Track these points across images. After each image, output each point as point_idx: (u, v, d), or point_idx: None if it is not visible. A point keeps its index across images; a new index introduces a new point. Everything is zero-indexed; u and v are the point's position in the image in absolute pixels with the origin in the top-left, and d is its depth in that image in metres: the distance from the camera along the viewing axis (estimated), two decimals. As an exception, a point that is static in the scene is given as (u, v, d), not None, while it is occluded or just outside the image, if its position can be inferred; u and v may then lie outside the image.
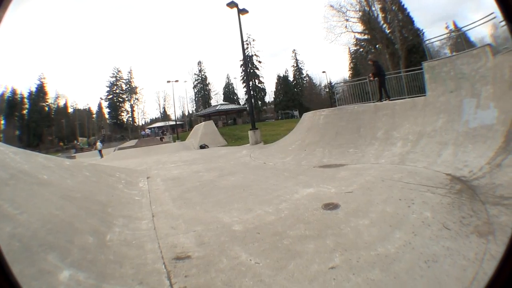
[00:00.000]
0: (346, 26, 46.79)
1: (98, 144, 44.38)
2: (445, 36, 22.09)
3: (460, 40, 16.34)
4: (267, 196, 6.77)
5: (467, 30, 15.65)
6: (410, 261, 3.50)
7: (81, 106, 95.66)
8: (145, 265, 3.74)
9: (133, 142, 54.02)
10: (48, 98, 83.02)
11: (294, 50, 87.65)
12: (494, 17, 12.58)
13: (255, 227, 4.93)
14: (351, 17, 46.41)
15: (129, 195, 7.71)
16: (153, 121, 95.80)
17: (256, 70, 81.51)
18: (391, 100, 14.61)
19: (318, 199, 6.17)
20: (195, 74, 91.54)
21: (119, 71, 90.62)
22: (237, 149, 19.23)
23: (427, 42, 19.50)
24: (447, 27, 36.46)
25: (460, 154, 8.29)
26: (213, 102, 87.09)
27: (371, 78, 15.81)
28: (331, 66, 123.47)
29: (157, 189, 8.73)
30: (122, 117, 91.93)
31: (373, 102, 14.82)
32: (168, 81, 65.98)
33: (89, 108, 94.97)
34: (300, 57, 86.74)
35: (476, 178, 6.51)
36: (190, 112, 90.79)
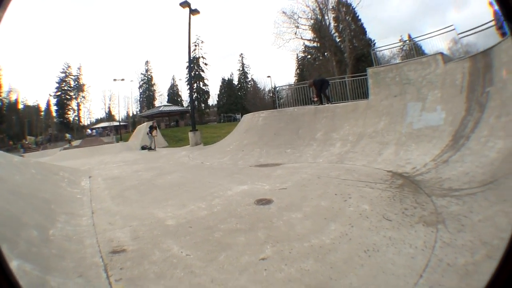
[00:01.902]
0: (296, 33, 48.17)
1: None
2: (393, 46, 23.50)
3: (411, 50, 17.17)
4: (202, 193, 7.12)
5: (420, 41, 17.46)
6: (348, 251, 3.63)
7: (31, 102, 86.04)
8: (84, 259, 3.94)
9: (77, 142, 55.26)
10: (1, 92, 74.07)
11: (242, 54, 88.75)
12: (452, 29, 14.66)
13: (187, 221, 5.20)
14: (302, 24, 47.87)
15: (71, 193, 8.18)
16: (98, 121, 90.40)
17: (201, 73, 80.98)
18: (333, 103, 15.67)
19: (252, 195, 6.46)
20: (141, 73, 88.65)
21: (69, 66, 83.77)
22: (177, 150, 20.74)
23: (374, 50, 20.32)
24: (401, 39, 38.90)
25: (402, 153, 8.92)
26: (157, 103, 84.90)
27: (315, 99, 16.96)
28: (277, 71, 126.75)
29: (97, 187, 9.18)
30: (69, 116, 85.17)
31: (314, 105, 15.84)
32: (115, 80, 62.66)
33: (38, 105, 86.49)
34: (247, 61, 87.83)
35: (420, 174, 6.98)
36: (135, 112, 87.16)
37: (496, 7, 11.81)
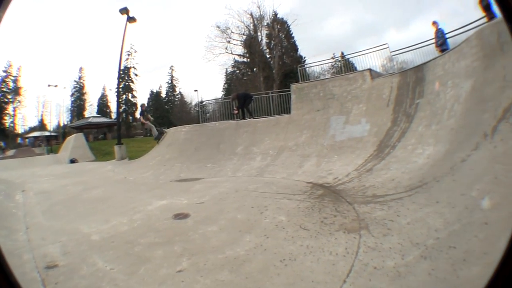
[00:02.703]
0: (226, 48, 48.29)
1: None
2: (322, 62, 24.42)
3: (342, 67, 17.77)
4: (124, 208, 7.30)
5: (353, 58, 17.82)
6: (263, 261, 3.72)
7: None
8: (25, 274, 3.98)
9: (11, 152, 52.83)
10: None
11: (172, 66, 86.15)
12: (386, 48, 15.86)
13: (110, 236, 5.34)
14: (234, 39, 48.24)
15: (8, 207, 8.23)
16: (32, 129, 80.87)
17: (131, 84, 77.18)
18: (255, 118, 16.08)
19: (170, 210, 6.67)
20: (74, 81, 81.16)
21: (10, 65, 74.09)
22: (103, 164, 20.51)
23: (302, 67, 20.87)
24: (333, 56, 40.60)
25: (324, 164, 9.19)
26: (87, 113, 78.45)
27: (236, 112, 17.39)
28: (205, 86, 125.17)
29: (30, 202, 9.10)
30: (5, 121, 74.67)
31: (235, 120, 16.24)
32: (49, 85, 56.59)
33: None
34: (177, 74, 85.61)
35: (342, 184, 7.15)
36: (66, 122, 79.76)
37: (440, 26, 13.15)
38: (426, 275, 2.88)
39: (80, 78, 79.21)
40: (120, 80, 33.87)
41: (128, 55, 73.68)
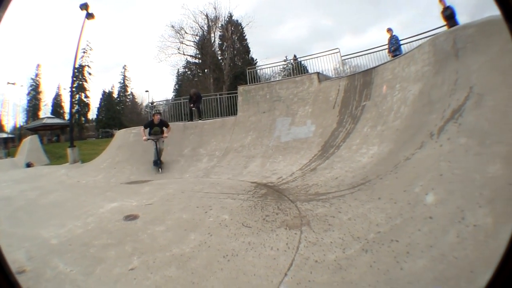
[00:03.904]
0: (179, 48, 47.24)
1: None
2: (272, 65, 24.93)
3: (294, 70, 17.98)
4: (78, 211, 7.37)
5: (306, 60, 18.87)
6: (207, 257, 3.89)
7: None
8: None
9: None
10: None
11: (125, 66, 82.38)
12: (337, 52, 16.14)
13: (67, 240, 5.45)
14: (188, 40, 47.42)
15: None
16: None
17: (85, 83, 72.58)
18: (203, 120, 16.23)
19: (121, 212, 6.80)
20: (31, 78, 74.89)
21: None
22: (58, 168, 19.33)
23: (251, 69, 20.87)
24: (286, 59, 40.92)
25: (268, 165, 9.36)
26: (42, 114, 72.32)
27: (192, 106, 17.31)
28: (157, 86, 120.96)
29: None
30: None
31: (183, 122, 16.43)
32: (8, 83, 52.13)
33: None
34: (130, 74, 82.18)
35: (286, 183, 7.21)
36: (22, 123, 73.25)
37: (394, 33, 13.49)
38: (367, 267, 2.93)
39: (36, 75, 74.08)
40: (75, 79, 32.20)
41: (84, 52, 69.78)
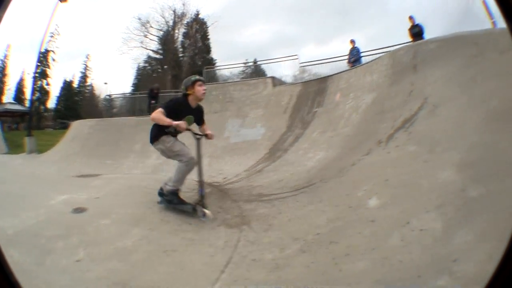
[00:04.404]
0: (142, 42, 45.99)
1: None
2: (229, 66, 25.47)
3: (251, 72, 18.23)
4: (30, 203, 6.79)
5: (266, 64, 18.62)
6: (147, 252, 3.95)
7: None
8: None
9: None
10: None
11: (88, 55, 78.45)
12: (296, 59, 16.37)
13: (21, 230, 5.20)
14: (151, 34, 46.30)
15: None
16: None
17: (48, 69, 67.79)
18: None
19: (70, 204, 6.38)
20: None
21: None
22: (14, 158, 19.56)
23: (209, 68, 20.93)
24: (246, 62, 40.88)
25: (215, 165, 9.30)
26: (5, 98, 66.49)
27: (153, 102, 17.36)
28: (117, 79, 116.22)
29: None
30: None
31: (136, 117, 16.25)
32: None
33: None
34: (92, 64, 78.32)
35: (231, 183, 7.23)
36: None
37: (356, 45, 13.60)
38: (304, 267, 2.94)
39: (5, 57, 69.08)
40: (39, 64, 30.28)
41: (51, 36, 66.16)
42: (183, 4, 48.07)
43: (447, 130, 3.93)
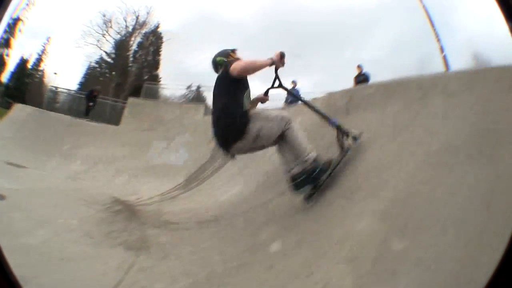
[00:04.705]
0: (99, 40, 43.93)
1: None
2: (172, 87, 28.02)
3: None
4: None
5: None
6: (46, 254, 3.82)
7: None
8: None
9: None
10: None
11: (49, 38, 73.17)
12: None
13: None
14: (109, 36, 44.50)
15: None
16: None
17: (12, 38, 61.98)
18: (90, 121, 16.12)
19: None
20: None
21: None
22: None
23: (148, 84, 21.13)
24: (189, 86, 40.67)
25: (133, 183, 9.52)
26: None
27: (91, 105, 17.79)
28: (68, 71, 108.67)
29: None
30: None
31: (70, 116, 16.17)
32: None
33: None
34: (51, 48, 73.33)
35: (143, 204, 7.21)
36: None
37: (296, 86, 14.16)
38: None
39: None
40: (6, 30, 27.85)
41: (27, 4, 61.48)
42: (147, 13, 47.20)
43: (370, 176, 3.69)
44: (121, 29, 48.40)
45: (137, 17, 47.63)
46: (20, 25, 63.77)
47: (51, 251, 3.92)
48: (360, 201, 3.37)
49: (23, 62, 69.36)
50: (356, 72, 12.45)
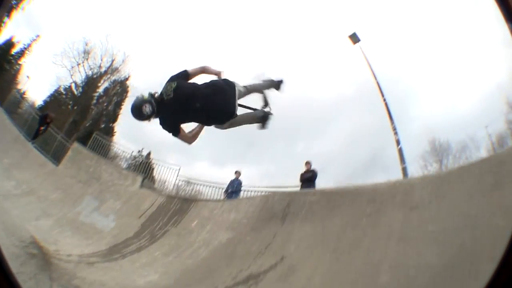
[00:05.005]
0: (73, 67, 42.24)
1: None
2: (123, 148, 26.27)
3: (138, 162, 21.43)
4: None
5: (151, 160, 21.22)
6: None
7: None
8: None
9: None
10: None
11: (39, 36, 69.76)
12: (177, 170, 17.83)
13: None
14: (83, 68, 43.04)
15: None
16: None
17: (8, 21, 58.65)
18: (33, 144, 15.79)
19: None
20: None
21: None
22: None
23: (99, 135, 21.07)
24: (139, 151, 39.66)
25: (56, 232, 8.97)
26: None
27: (42, 130, 17.62)
28: (39, 81, 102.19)
29: None
30: None
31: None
32: None
33: None
34: (38, 46, 69.57)
35: (59, 259, 6.58)
36: None
37: (240, 177, 14.16)
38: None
39: None
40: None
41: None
42: (123, 60, 46.15)
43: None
44: (95, 66, 46.21)
45: (112, 60, 46.19)
46: (20, 8, 61.35)
47: None
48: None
49: (8, 46, 65.64)
50: (304, 168, 12.21)
